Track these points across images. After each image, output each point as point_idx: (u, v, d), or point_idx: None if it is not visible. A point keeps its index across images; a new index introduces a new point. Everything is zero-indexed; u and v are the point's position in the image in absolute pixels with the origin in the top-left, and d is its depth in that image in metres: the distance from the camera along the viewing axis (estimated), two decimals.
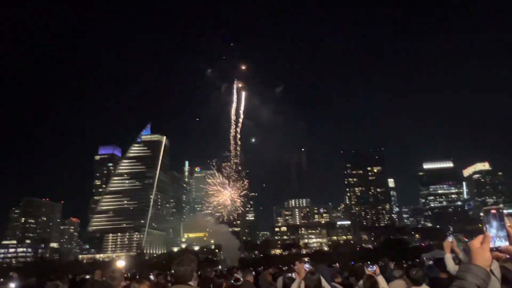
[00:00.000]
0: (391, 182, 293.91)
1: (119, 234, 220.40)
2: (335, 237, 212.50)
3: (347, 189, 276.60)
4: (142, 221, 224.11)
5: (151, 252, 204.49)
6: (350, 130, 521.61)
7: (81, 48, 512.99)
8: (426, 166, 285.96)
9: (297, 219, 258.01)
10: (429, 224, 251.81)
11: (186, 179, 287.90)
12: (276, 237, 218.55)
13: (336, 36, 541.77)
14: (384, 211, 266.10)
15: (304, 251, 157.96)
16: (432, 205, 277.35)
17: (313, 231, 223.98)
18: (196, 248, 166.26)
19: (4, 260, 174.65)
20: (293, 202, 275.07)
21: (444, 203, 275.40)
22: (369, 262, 7.79)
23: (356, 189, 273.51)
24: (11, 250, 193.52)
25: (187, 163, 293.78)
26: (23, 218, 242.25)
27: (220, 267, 72.66)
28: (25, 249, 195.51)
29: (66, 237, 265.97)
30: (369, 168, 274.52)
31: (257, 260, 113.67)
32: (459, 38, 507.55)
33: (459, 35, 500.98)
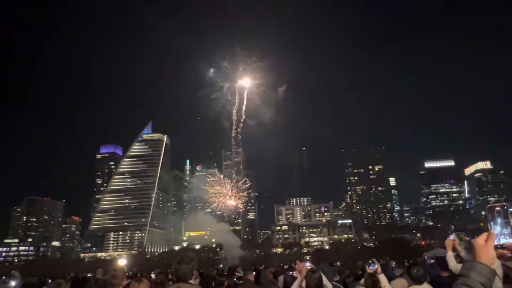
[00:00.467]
0: (392, 181, 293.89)
1: (120, 232, 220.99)
2: (336, 236, 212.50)
3: (348, 188, 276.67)
4: (144, 220, 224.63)
5: (153, 250, 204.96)
6: (351, 129, 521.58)
7: (83, 47, 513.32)
8: (428, 164, 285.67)
9: (298, 217, 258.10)
10: (431, 223, 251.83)
11: (187, 178, 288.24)
12: (277, 236, 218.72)
13: (337, 34, 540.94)
14: (385, 210, 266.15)
15: (305, 250, 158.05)
16: (433, 203, 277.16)
17: (314, 230, 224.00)
18: (197, 246, 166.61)
19: (6, 258, 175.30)
20: (294, 200, 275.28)
21: (446, 201, 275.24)
22: (370, 261, 7.78)
23: (357, 187, 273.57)
24: (13, 248, 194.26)
25: (188, 161, 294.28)
26: (25, 217, 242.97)
27: (221, 265, 72.80)
28: (27, 248, 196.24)
29: (68, 235, 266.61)
30: (370, 167, 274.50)
31: (258, 258, 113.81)
32: (462, 36, 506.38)
33: (461, 32, 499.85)
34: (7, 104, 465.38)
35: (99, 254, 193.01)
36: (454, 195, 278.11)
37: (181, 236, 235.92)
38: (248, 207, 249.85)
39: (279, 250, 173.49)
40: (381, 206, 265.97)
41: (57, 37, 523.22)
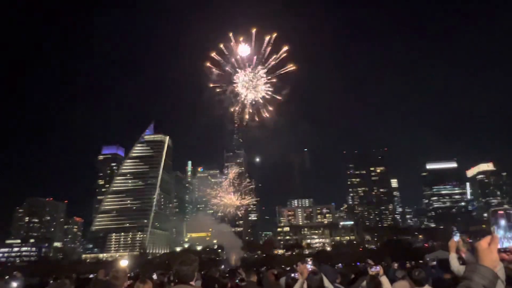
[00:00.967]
0: (394, 183, 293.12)
1: (122, 233, 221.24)
2: (338, 238, 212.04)
3: (350, 190, 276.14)
4: (145, 221, 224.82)
5: (154, 251, 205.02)
6: (353, 131, 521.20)
7: (86, 48, 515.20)
8: (430, 166, 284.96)
9: (300, 219, 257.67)
10: (433, 225, 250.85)
11: (189, 179, 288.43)
12: (279, 237, 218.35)
13: (340, 37, 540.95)
14: (387, 212, 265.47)
15: (306, 251, 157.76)
16: (435, 205, 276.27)
17: (316, 232, 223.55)
18: (199, 248, 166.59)
19: (8, 259, 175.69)
20: (296, 202, 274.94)
21: (448, 203, 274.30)
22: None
23: (359, 189, 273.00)
24: (15, 249, 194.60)
25: (190, 163, 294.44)
26: (27, 218, 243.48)
27: (223, 267, 72.75)
28: (29, 248, 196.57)
29: (70, 236, 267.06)
30: (372, 169, 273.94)
31: (260, 260, 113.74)
32: (463, 37, 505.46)
33: (463, 34, 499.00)
34: (10, 105, 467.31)
35: (100, 255, 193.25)
36: (456, 197, 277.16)
37: (182, 237, 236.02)
38: (250, 209, 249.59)
39: (280, 251, 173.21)
40: (383, 207, 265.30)
41: (59, 37, 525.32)
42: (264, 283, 11.55)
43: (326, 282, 6.30)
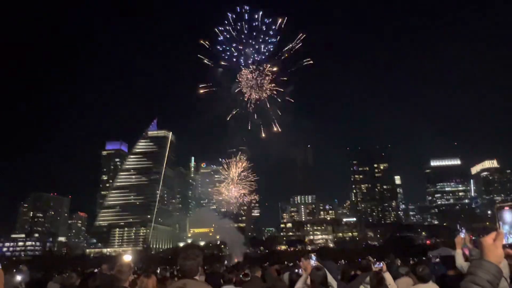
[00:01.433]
0: (397, 179, 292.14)
1: (125, 228, 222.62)
2: (340, 234, 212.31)
3: (353, 186, 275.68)
4: (149, 216, 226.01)
5: (157, 247, 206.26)
6: (357, 127, 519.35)
7: (89, 44, 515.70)
8: (433, 163, 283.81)
9: (303, 215, 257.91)
10: (436, 222, 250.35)
11: (192, 175, 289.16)
12: (282, 233, 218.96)
13: (343, 35, 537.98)
14: (390, 208, 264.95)
15: (309, 248, 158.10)
16: (438, 202, 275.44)
17: (319, 228, 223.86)
18: (202, 243, 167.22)
19: (13, 253, 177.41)
20: (299, 198, 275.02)
21: (451, 200, 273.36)
22: (375, 259, 7.79)
23: (362, 186, 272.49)
24: (20, 243, 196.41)
25: (193, 159, 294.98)
26: (32, 212, 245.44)
27: (226, 262, 73.06)
28: (33, 243, 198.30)
29: (74, 231, 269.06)
30: (375, 165, 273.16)
31: (263, 256, 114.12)
32: (468, 35, 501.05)
33: (467, 32, 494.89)
34: (14, 100, 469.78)
35: (104, 250, 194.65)
36: (460, 194, 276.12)
37: (185, 232, 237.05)
38: (253, 205, 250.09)
39: (283, 247, 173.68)
40: (386, 204, 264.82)
41: (63, 33, 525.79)
42: (267, 279, 11.60)
43: (329, 277, 6.32)
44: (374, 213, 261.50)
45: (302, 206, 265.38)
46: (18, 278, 12.65)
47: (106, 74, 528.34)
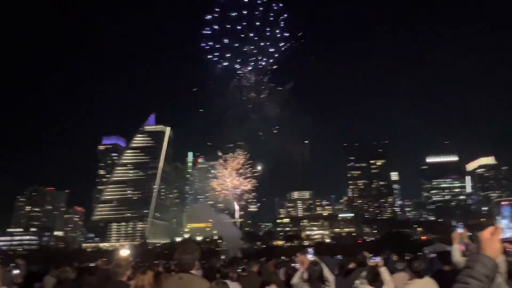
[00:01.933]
0: (394, 175, 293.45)
1: (122, 223, 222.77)
2: (337, 229, 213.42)
3: (350, 182, 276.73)
4: (146, 211, 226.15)
5: (154, 241, 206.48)
6: (354, 123, 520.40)
7: (87, 38, 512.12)
8: (430, 159, 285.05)
9: (300, 211, 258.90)
10: (432, 218, 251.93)
11: (190, 170, 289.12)
12: (278, 229, 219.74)
13: (341, 32, 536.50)
14: (386, 204, 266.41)
15: (306, 243, 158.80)
16: (434, 198, 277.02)
17: (316, 223, 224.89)
18: (199, 238, 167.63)
19: (10, 247, 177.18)
20: (296, 194, 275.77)
21: (447, 197, 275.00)
22: (371, 254, 7.85)
23: (359, 182, 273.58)
24: (17, 237, 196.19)
25: (190, 154, 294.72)
26: (28, 207, 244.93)
27: (223, 257, 73.33)
28: (30, 237, 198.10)
29: (71, 225, 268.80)
30: (372, 161, 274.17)
31: (259, 251, 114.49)
32: (464, 33, 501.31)
33: (463, 30, 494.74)
34: (11, 94, 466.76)
35: (101, 245, 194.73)
36: (456, 190, 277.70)
37: (182, 227, 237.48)
38: (250, 200, 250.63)
39: (280, 242, 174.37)
40: (382, 200, 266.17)
41: (61, 30, 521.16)
42: (263, 273, 11.66)
43: (326, 272, 6.35)
44: (370, 209, 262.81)
45: (299, 201, 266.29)
46: (15, 272, 12.65)
47: (103, 68, 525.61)
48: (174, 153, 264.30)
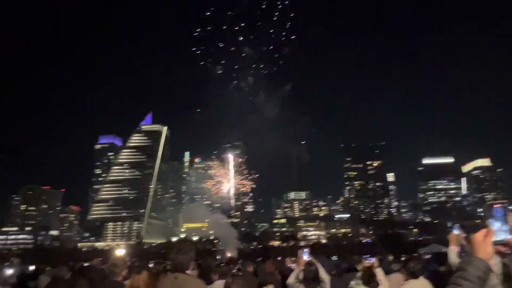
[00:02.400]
0: (390, 177, 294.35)
1: (119, 223, 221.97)
2: (333, 230, 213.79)
3: (347, 183, 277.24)
4: (142, 211, 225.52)
5: (150, 241, 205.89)
6: (351, 124, 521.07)
7: (83, 37, 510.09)
8: (426, 161, 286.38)
9: (296, 211, 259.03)
10: (427, 219, 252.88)
11: (186, 170, 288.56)
12: (275, 229, 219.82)
13: (338, 33, 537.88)
14: (383, 205, 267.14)
15: (302, 243, 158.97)
16: (430, 200, 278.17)
17: (312, 224, 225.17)
18: (195, 238, 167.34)
19: (4, 246, 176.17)
20: (292, 194, 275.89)
21: (443, 198, 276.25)
22: (368, 255, 7.89)
23: (355, 182, 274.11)
24: (12, 236, 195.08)
25: (187, 153, 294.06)
26: (24, 205, 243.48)
27: (219, 257, 73.23)
28: (25, 236, 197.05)
29: (66, 225, 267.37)
30: (369, 162, 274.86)
31: (256, 251, 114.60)
32: (462, 34, 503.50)
33: (461, 30, 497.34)
34: (7, 92, 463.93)
35: (97, 244, 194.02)
36: (452, 191, 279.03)
37: (179, 227, 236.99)
38: (246, 200, 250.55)
39: (276, 243, 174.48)
40: (378, 201, 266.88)
41: (57, 28, 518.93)
42: (259, 274, 11.65)
43: (321, 273, 6.36)
44: (366, 210, 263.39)
45: (296, 202, 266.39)
46: (10, 271, 12.55)
47: (99, 67, 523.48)
48: (171, 152, 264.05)
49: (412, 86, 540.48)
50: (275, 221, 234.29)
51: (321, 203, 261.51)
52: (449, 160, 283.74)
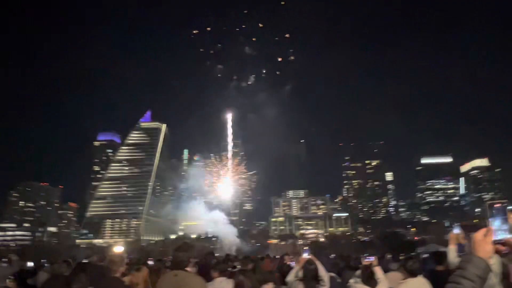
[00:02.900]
0: (389, 176, 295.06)
1: (117, 220, 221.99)
2: (331, 229, 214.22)
3: (345, 182, 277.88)
4: (140, 208, 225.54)
5: (149, 238, 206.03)
6: (350, 123, 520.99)
7: (82, 35, 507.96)
8: (425, 160, 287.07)
9: (295, 210, 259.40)
10: (425, 218, 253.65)
11: (185, 167, 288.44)
12: (273, 227, 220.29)
13: (337, 32, 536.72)
14: (381, 204, 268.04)
15: (300, 242, 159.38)
16: (428, 199, 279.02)
17: (310, 222, 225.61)
18: (194, 236, 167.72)
19: (2, 242, 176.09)
20: (291, 193, 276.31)
21: (441, 198, 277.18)
22: (366, 254, 7.93)
23: (354, 181, 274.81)
24: (9, 233, 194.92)
25: (186, 151, 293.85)
26: (22, 202, 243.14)
27: (217, 255, 73.41)
28: (23, 232, 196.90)
29: (65, 221, 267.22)
30: (368, 161, 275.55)
31: (254, 249, 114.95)
32: (459, 33, 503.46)
33: (458, 30, 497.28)
34: (4, 88, 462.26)
35: (95, 241, 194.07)
36: (450, 191, 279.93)
37: (177, 225, 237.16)
38: (245, 198, 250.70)
39: (274, 241, 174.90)
40: (377, 200, 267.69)
41: (55, 22, 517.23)
42: (257, 271, 11.68)
43: (321, 271, 6.38)
44: (365, 209, 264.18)
45: (294, 200, 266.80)
46: (8, 267, 12.55)
47: (99, 63, 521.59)
48: (170, 150, 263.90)
49: (411, 85, 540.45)
50: (273, 220, 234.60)
51: (319, 201, 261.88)
52: (448, 160, 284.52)
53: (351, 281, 6.69)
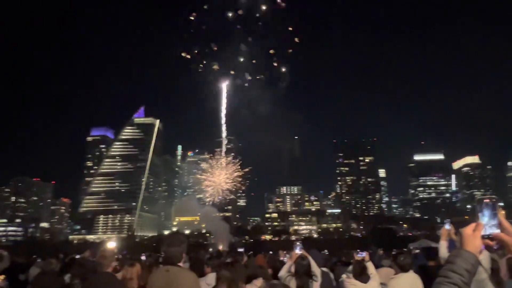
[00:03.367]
0: (382, 173, 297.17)
1: (110, 215, 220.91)
2: (324, 225, 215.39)
3: (339, 178, 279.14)
4: (134, 204, 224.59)
5: (142, 234, 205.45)
6: (343, 120, 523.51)
7: (75, 29, 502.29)
8: (417, 157, 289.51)
9: (288, 206, 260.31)
10: (417, 215, 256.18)
11: (179, 163, 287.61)
12: (267, 223, 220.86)
13: (331, 28, 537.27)
14: (374, 201, 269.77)
15: (293, 238, 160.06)
16: (420, 196, 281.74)
17: (304, 218, 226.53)
18: (187, 231, 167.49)
19: None
20: (284, 189, 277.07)
21: (433, 194, 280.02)
22: (358, 250, 7.97)
23: (347, 178, 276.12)
24: (1, 228, 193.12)
25: (180, 147, 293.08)
26: (14, 197, 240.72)
27: (210, 250, 73.40)
28: (15, 228, 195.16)
29: (57, 217, 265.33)
30: (361, 158, 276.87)
31: (248, 245, 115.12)
32: (452, 32, 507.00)
33: (453, 29, 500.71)
34: None
35: (88, 237, 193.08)
36: (442, 188, 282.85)
37: (171, 221, 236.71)
38: (239, 194, 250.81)
39: (268, 237, 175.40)
40: (370, 197, 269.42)
41: (49, 19, 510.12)
42: (249, 266, 11.70)
43: (313, 266, 6.40)
44: (358, 205, 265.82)
45: (288, 197, 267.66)
46: None
47: (92, 58, 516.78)
48: (163, 146, 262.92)
49: (404, 83, 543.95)
50: (267, 216, 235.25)
51: (312, 198, 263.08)
52: (440, 157, 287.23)
53: (343, 276, 6.73)
